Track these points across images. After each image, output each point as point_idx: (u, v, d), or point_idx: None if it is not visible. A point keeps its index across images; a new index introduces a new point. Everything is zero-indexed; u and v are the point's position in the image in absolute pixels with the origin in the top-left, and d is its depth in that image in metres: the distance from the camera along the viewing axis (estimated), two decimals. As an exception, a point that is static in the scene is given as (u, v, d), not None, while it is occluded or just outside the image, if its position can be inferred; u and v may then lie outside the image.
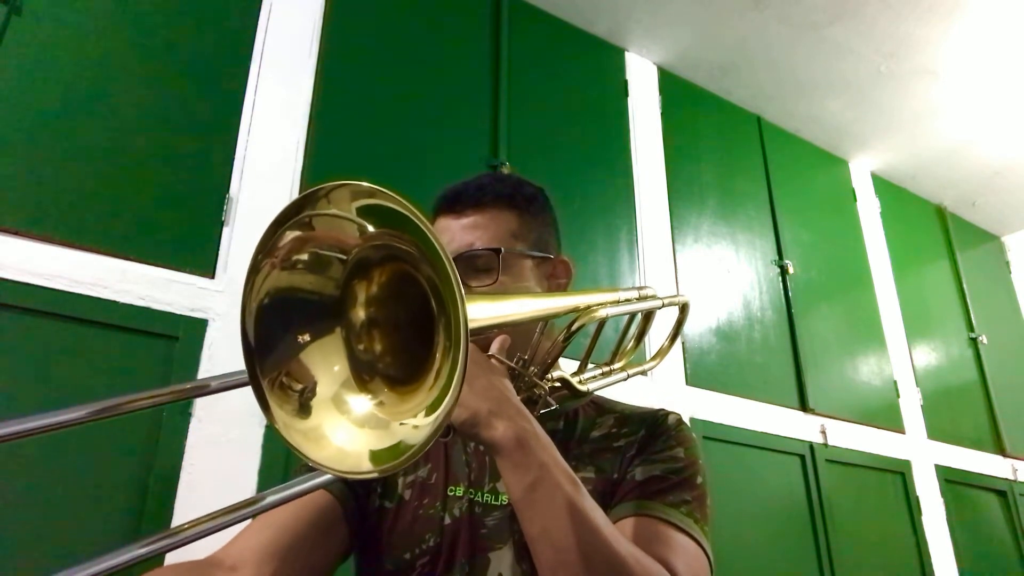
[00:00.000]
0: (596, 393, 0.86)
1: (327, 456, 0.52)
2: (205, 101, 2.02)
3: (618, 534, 0.64)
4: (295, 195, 0.53)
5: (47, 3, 1.85)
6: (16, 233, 1.64)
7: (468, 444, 0.85)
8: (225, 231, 1.92)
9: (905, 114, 3.42)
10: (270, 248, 0.54)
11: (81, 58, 1.86)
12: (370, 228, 0.53)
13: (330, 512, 0.79)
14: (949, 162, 3.76)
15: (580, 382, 0.81)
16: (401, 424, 0.53)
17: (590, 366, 0.87)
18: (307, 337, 0.56)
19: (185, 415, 1.70)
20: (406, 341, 0.59)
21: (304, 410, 0.55)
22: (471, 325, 0.51)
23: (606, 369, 0.89)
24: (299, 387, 0.55)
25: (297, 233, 0.54)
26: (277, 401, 0.54)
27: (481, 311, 0.65)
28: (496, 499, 0.79)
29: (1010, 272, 4.35)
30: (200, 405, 1.72)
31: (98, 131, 1.83)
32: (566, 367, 0.81)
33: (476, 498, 0.80)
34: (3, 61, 1.75)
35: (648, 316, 0.95)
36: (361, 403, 0.56)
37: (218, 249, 1.89)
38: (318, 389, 0.56)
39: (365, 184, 0.50)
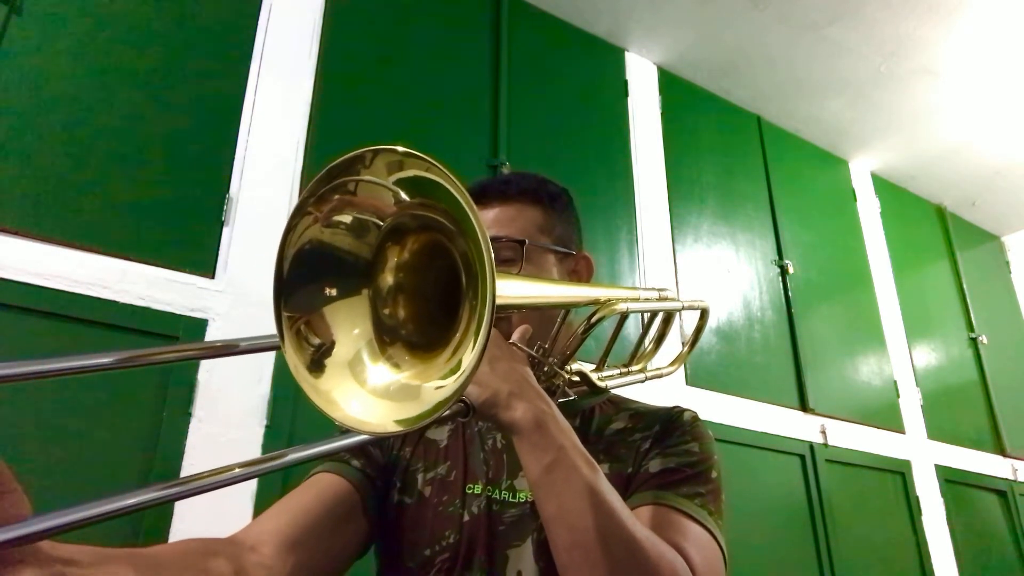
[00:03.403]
0: (613, 392, 0.86)
1: (344, 416, 0.52)
2: (205, 101, 2.01)
3: (634, 518, 0.65)
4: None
5: (47, 3, 1.85)
6: (16, 233, 1.64)
7: (486, 441, 0.85)
8: (225, 231, 1.91)
9: (905, 114, 3.42)
10: (319, 197, 0.54)
11: (81, 58, 1.86)
12: (407, 197, 0.54)
13: (349, 501, 0.79)
14: (949, 162, 3.77)
15: (599, 379, 0.81)
16: (427, 386, 0.53)
17: (608, 366, 0.87)
18: (334, 292, 0.57)
19: (185, 415, 1.69)
20: (431, 309, 0.60)
21: (319, 367, 0.55)
22: (498, 301, 0.51)
23: (624, 370, 0.89)
24: (317, 341, 0.56)
25: (340, 195, 0.54)
26: (295, 347, 0.55)
27: (508, 288, 0.66)
28: (514, 496, 0.79)
29: (1010, 272, 4.35)
30: (200, 405, 1.72)
31: (98, 131, 1.83)
32: (584, 368, 0.81)
33: (494, 495, 0.80)
34: (3, 61, 1.75)
35: (668, 319, 0.95)
36: (381, 365, 0.57)
37: (218, 249, 1.89)
38: (336, 348, 0.56)
39: (401, 150, 0.51)
